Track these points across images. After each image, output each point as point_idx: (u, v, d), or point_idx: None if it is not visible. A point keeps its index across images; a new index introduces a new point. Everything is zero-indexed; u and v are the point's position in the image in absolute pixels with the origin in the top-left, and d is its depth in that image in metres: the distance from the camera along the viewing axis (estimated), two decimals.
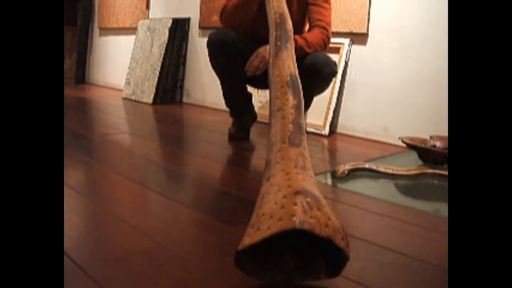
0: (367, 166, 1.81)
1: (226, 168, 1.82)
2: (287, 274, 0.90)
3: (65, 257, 0.93)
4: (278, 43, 1.38)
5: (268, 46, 2.04)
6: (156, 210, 1.27)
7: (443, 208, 1.51)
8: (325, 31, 2.16)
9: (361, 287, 0.91)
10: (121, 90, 4.26)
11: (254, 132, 2.46)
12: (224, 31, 2.13)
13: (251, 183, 1.59)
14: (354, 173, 1.78)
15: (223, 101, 2.90)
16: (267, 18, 1.61)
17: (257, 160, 2.02)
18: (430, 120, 2.42)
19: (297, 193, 0.84)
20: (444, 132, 2.23)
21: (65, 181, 1.43)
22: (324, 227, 0.79)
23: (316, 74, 2.01)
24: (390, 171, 1.79)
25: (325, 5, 2.19)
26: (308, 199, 0.83)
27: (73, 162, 1.71)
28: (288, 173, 0.93)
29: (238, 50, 2.10)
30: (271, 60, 1.34)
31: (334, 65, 2.12)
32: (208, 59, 2.23)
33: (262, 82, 2.19)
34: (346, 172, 1.73)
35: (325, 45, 2.17)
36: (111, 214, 1.22)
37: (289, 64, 1.29)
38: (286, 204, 0.81)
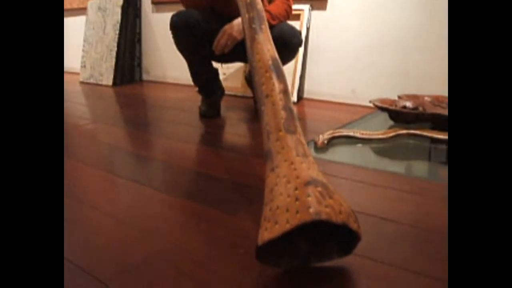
0: (344, 133, 1.85)
1: (207, 150, 1.81)
2: (303, 260, 0.93)
3: (80, 271, 0.93)
4: (253, 26, 1.37)
5: (233, 23, 2.04)
6: (148, 205, 1.26)
7: (425, 170, 1.57)
8: (286, 1, 2.16)
9: (369, 261, 0.95)
10: (76, 74, 4.16)
11: (223, 107, 2.46)
12: (187, 12, 2.09)
13: (236, 164, 1.59)
14: (332, 141, 1.82)
15: (183, 76, 2.86)
16: None
17: (234, 138, 2.03)
18: (396, 79, 2.48)
19: (307, 183, 0.86)
20: (411, 90, 2.30)
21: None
22: (338, 214, 0.82)
23: (284, 46, 2.01)
24: (367, 136, 1.83)
25: None
26: (319, 188, 0.85)
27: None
28: (292, 163, 0.95)
29: (202, 30, 2.08)
30: (248, 44, 1.34)
31: (300, 35, 2.15)
32: (171, 38, 2.18)
33: (226, 57, 2.19)
34: (325, 142, 1.77)
35: (288, 15, 2.18)
36: (102, 215, 1.21)
37: (268, 47, 1.29)
38: (299, 196, 0.84)
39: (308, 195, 0.83)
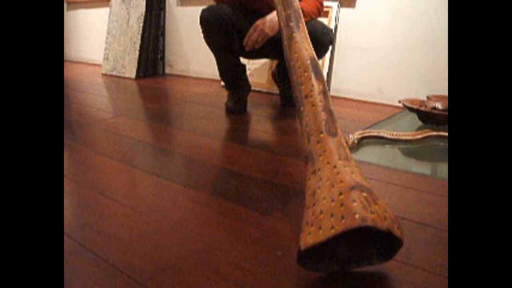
0: (374, 133, 1.83)
1: (236, 147, 1.79)
2: (342, 264, 0.92)
3: (116, 271, 0.93)
4: (291, 24, 1.36)
5: (266, 19, 2.03)
6: (178, 202, 1.25)
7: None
8: None
9: (409, 267, 0.94)
10: (98, 66, 4.17)
11: (249, 103, 2.45)
12: (217, 7, 2.08)
13: (267, 163, 1.58)
14: (362, 141, 1.80)
15: (207, 70, 2.84)
16: None
17: (263, 135, 2.01)
18: (424, 79, 2.45)
19: (352, 188, 0.85)
20: (439, 91, 2.27)
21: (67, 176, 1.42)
22: (383, 220, 0.81)
23: (315, 43, 1.98)
24: (396, 137, 1.81)
25: None
26: (365, 194, 0.84)
27: (68, 154, 1.68)
28: (335, 166, 0.93)
29: (233, 25, 2.07)
30: (286, 43, 1.33)
31: (331, 33, 2.13)
32: (195, 32, 2.18)
33: (255, 53, 2.18)
34: (356, 142, 1.75)
35: (319, 12, 2.16)
36: (131, 211, 1.20)
37: (306, 46, 1.28)
38: (344, 201, 0.82)
39: (354, 200, 0.82)
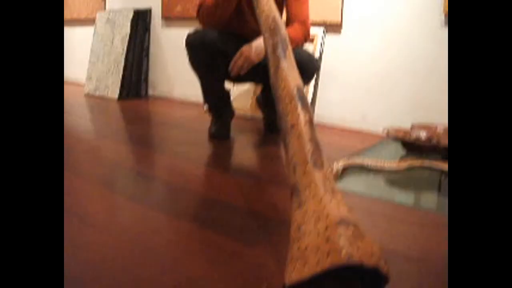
0: (358, 162, 1.82)
1: (219, 174, 1.77)
2: None
3: None
4: (278, 52, 1.35)
5: (252, 45, 2.03)
6: (160, 231, 1.22)
7: (440, 203, 1.55)
8: (304, 26, 2.16)
9: None
10: (81, 85, 4.13)
11: (232, 128, 2.43)
12: (203, 31, 2.08)
13: (251, 191, 1.56)
14: (346, 170, 1.79)
15: (190, 93, 2.83)
16: (258, 21, 1.58)
17: (247, 161, 2.00)
18: (408, 107, 2.46)
19: (338, 223, 0.84)
20: (423, 119, 2.28)
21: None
22: (370, 256, 0.79)
23: (301, 71, 1.96)
24: (381, 167, 1.81)
25: None
26: (351, 229, 0.83)
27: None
28: (321, 200, 0.92)
29: (218, 50, 2.06)
30: (272, 71, 1.32)
31: (316, 61, 2.14)
32: (179, 55, 2.17)
33: (240, 78, 2.17)
34: (340, 171, 1.74)
35: (305, 39, 2.17)
36: (117, 243, 1.17)
37: (293, 75, 1.27)
38: (330, 237, 0.81)
39: (340, 236, 0.80)
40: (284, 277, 0.83)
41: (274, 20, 1.49)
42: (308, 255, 0.81)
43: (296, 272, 0.81)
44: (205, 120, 2.63)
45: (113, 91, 3.64)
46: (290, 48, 1.39)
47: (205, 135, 2.36)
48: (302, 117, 1.14)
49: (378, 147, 2.23)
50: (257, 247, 1.13)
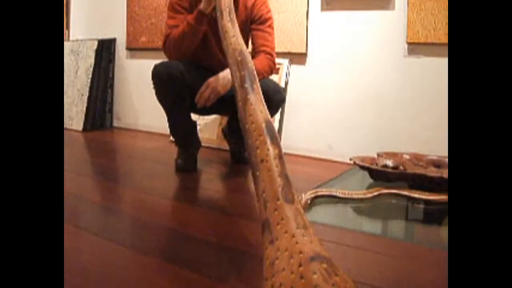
0: (327, 193, 1.83)
1: (187, 208, 1.75)
2: None
3: None
4: (246, 85, 1.36)
5: (219, 77, 2.03)
6: (127, 268, 1.19)
7: (409, 232, 1.57)
8: (270, 57, 2.17)
9: None
10: None
11: (199, 160, 2.40)
12: (170, 63, 2.08)
13: (221, 225, 1.54)
14: (314, 200, 1.80)
15: (156, 124, 2.81)
16: (226, 54, 1.58)
17: (215, 194, 1.98)
18: (373, 136, 2.50)
19: (311, 259, 0.83)
20: (388, 148, 2.31)
21: None
22: None
23: (268, 102, 1.98)
24: (349, 196, 1.82)
25: (269, 30, 2.21)
26: (324, 265, 0.82)
27: None
28: (293, 236, 0.91)
29: (185, 82, 2.06)
30: (240, 104, 1.32)
31: (283, 92, 2.16)
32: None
33: (206, 109, 2.17)
34: (308, 202, 1.75)
35: (271, 70, 2.19)
36: (84, 282, 1.14)
37: (261, 109, 1.27)
38: (304, 274, 0.80)
39: (314, 273, 0.80)
40: None
41: (241, 53, 1.50)
42: None
43: None
44: (171, 151, 2.61)
45: (77, 123, 3.58)
46: (257, 81, 1.39)
47: (171, 168, 2.33)
48: (272, 151, 1.14)
49: (345, 176, 2.25)
50: (229, 283, 1.12)
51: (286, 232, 0.93)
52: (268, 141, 1.16)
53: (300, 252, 0.86)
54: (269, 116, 1.26)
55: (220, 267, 1.21)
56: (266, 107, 1.30)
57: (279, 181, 1.06)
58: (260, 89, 1.37)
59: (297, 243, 0.89)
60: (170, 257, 1.26)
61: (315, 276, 0.79)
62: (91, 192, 1.91)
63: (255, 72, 1.42)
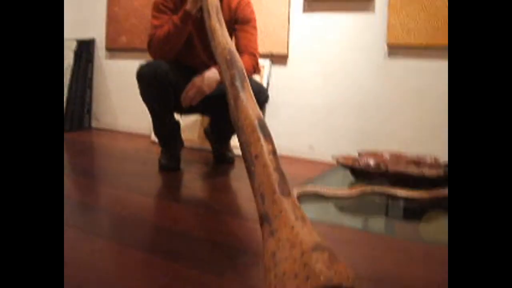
0: (312, 190, 1.86)
1: (175, 206, 1.76)
2: None
3: None
4: (237, 84, 1.38)
5: (204, 76, 2.05)
6: (126, 265, 1.20)
7: (400, 228, 1.61)
8: (254, 57, 2.20)
9: None
10: None
11: (181, 160, 2.41)
12: (155, 63, 2.08)
13: (210, 222, 1.56)
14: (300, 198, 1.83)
15: (135, 125, 2.81)
16: (214, 53, 1.60)
17: (201, 193, 2.00)
18: (353, 136, 2.54)
19: (313, 249, 0.86)
20: (368, 146, 2.36)
21: None
22: (347, 279, 0.82)
23: None
24: (333, 193, 1.86)
25: (252, 30, 2.24)
26: (326, 254, 0.85)
27: None
28: (293, 227, 0.94)
29: (170, 81, 2.07)
30: (232, 103, 1.34)
31: (266, 91, 2.20)
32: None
33: (189, 109, 2.18)
34: (298, 198, 1.78)
35: (254, 70, 2.22)
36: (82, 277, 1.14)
37: (252, 106, 1.30)
38: (307, 262, 0.83)
39: (317, 261, 0.83)
40: None
41: (230, 52, 1.52)
42: (286, 281, 0.83)
43: None
44: (152, 151, 2.62)
45: None
46: (247, 79, 1.42)
47: (154, 167, 2.34)
48: (265, 147, 1.16)
49: (327, 175, 2.29)
50: (226, 277, 1.14)
51: (285, 223, 0.96)
52: (262, 138, 1.19)
53: (302, 242, 0.89)
54: (261, 113, 1.28)
55: (215, 262, 1.22)
56: (256, 104, 1.32)
57: (274, 175, 1.08)
58: (250, 87, 1.39)
59: (297, 234, 0.92)
60: (165, 254, 1.26)
61: (318, 264, 0.82)
62: (73, 191, 1.90)
63: (244, 71, 1.45)
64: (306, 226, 0.96)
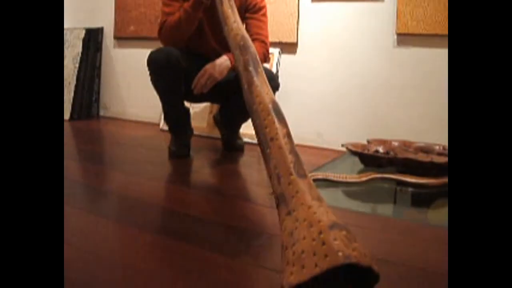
0: (322, 176, 1.88)
1: (188, 191, 1.77)
2: None
3: None
4: (250, 68, 1.39)
5: (216, 63, 2.06)
6: (141, 247, 1.21)
7: (408, 212, 1.63)
8: (264, 45, 2.21)
9: None
10: None
11: (191, 147, 2.43)
12: (167, 49, 2.09)
13: (223, 206, 1.57)
14: None
15: (144, 113, 2.81)
16: (227, 39, 1.61)
17: (213, 179, 2.02)
18: (362, 124, 2.55)
19: (331, 227, 0.87)
20: (377, 135, 2.37)
21: None
22: (364, 257, 0.83)
23: None
24: (343, 179, 1.87)
25: (263, 18, 2.25)
26: (344, 232, 0.87)
27: None
28: (310, 207, 0.96)
29: (181, 68, 2.08)
30: (246, 87, 1.36)
31: (277, 79, 2.20)
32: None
33: (200, 97, 2.19)
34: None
35: (265, 58, 2.23)
36: (98, 260, 1.16)
37: (266, 90, 1.31)
38: (326, 240, 0.84)
39: (335, 239, 0.84)
40: (282, 281, 0.85)
41: (243, 38, 1.53)
42: (305, 258, 0.84)
43: (294, 275, 0.83)
44: (162, 139, 2.64)
45: (64, 112, 3.56)
46: (260, 64, 1.43)
47: (164, 154, 2.35)
48: (280, 130, 1.18)
49: (336, 162, 2.30)
50: (240, 258, 1.15)
51: (302, 203, 0.97)
52: (276, 121, 1.20)
53: (319, 221, 0.90)
54: (274, 97, 1.30)
55: (229, 244, 1.24)
56: (270, 89, 1.33)
57: (290, 157, 1.10)
58: (263, 72, 1.40)
59: (315, 213, 0.93)
60: (180, 237, 1.27)
61: (336, 242, 0.84)
62: (84, 176, 1.92)
63: (257, 57, 1.46)
64: (323, 206, 0.97)
